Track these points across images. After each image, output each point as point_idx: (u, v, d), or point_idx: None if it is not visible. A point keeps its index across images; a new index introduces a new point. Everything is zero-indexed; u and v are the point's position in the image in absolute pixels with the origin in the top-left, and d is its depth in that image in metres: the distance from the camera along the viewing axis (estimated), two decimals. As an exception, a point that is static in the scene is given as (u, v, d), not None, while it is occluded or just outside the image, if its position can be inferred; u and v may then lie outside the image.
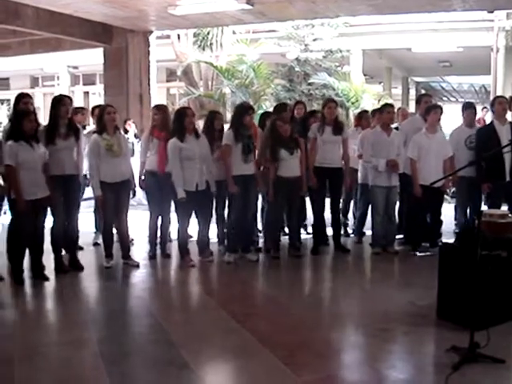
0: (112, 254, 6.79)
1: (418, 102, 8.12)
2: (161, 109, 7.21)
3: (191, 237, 7.16)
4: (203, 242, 6.97)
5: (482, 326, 4.20)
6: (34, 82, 24.37)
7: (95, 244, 7.63)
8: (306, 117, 7.80)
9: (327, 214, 7.49)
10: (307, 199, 7.83)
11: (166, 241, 7.30)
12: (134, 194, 7.05)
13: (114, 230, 6.81)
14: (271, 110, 9.44)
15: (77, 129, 6.57)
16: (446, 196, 7.88)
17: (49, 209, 6.25)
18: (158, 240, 7.22)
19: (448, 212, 7.95)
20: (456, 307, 4.69)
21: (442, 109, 7.36)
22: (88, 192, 6.98)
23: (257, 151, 7.13)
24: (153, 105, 8.54)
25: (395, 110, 7.86)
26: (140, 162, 7.17)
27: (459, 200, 7.89)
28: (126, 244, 6.84)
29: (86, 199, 7.38)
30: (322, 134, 7.20)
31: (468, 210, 7.77)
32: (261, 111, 11.37)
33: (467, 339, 4.04)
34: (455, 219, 7.95)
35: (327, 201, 7.48)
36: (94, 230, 7.81)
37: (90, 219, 7.76)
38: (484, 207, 7.23)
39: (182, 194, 6.50)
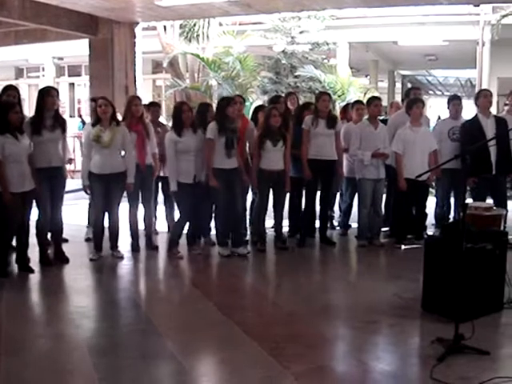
0: (101, 246, 6.77)
1: (406, 95, 8.13)
2: (140, 100, 7.15)
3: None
4: (193, 234, 6.97)
5: (467, 318, 4.24)
6: (19, 73, 24.15)
7: (87, 239, 7.52)
8: (301, 110, 7.76)
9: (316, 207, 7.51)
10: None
11: (151, 233, 7.28)
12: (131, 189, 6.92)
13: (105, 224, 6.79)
14: (260, 103, 9.45)
15: (63, 121, 6.55)
16: (431, 189, 7.91)
17: (34, 201, 6.22)
18: (143, 232, 7.20)
19: (433, 205, 7.98)
20: (441, 299, 4.72)
21: (423, 102, 7.41)
22: (71, 184, 6.93)
23: (248, 144, 7.16)
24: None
25: (382, 102, 7.85)
26: None
27: (439, 192, 7.94)
28: (113, 236, 6.83)
29: (69, 191, 7.32)
30: (315, 127, 7.17)
31: (452, 203, 7.85)
32: (247, 103, 11.36)
33: (452, 331, 4.08)
34: (434, 211, 7.98)
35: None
36: (87, 224, 7.72)
37: (79, 212, 7.72)
38: (469, 200, 7.27)
39: (174, 187, 6.63)
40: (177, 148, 6.59)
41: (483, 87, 13.53)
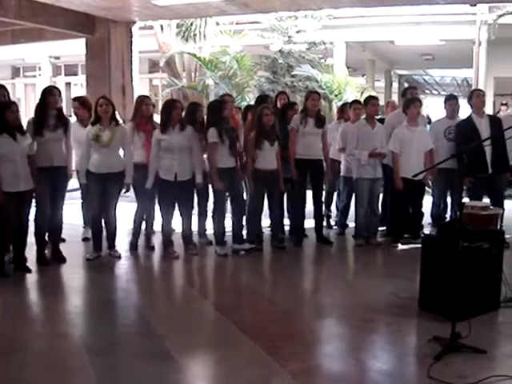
0: (101, 246, 6.77)
1: (403, 94, 8.15)
2: (150, 100, 7.11)
3: (174, 230, 7.13)
4: (187, 234, 6.96)
5: (464, 317, 4.26)
6: (16, 72, 24.08)
7: (85, 239, 7.51)
8: (286, 108, 7.75)
9: (308, 206, 7.50)
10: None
11: (151, 233, 7.28)
12: (128, 189, 6.86)
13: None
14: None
15: (66, 120, 6.54)
16: (427, 188, 7.94)
17: (33, 200, 6.21)
18: (143, 232, 7.20)
19: (430, 204, 8.00)
20: (438, 298, 4.73)
21: (421, 102, 7.42)
22: (71, 183, 6.93)
23: (239, 143, 7.15)
24: (136, 96, 8.23)
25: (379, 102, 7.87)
26: None
27: (436, 191, 7.97)
28: (111, 235, 6.82)
29: (69, 191, 7.31)
30: (304, 126, 7.18)
31: (449, 202, 7.87)
32: (244, 103, 11.36)
33: (449, 330, 4.09)
34: (431, 210, 8.01)
35: (308, 193, 7.49)
36: (83, 224, 7.70)
37: (75, 212, 7.71)
38: (465, 199, 7.29)
39: (148, 184, 6.63)
40: (160, 146, 6.56)
41: (479, 87, 13.56)
